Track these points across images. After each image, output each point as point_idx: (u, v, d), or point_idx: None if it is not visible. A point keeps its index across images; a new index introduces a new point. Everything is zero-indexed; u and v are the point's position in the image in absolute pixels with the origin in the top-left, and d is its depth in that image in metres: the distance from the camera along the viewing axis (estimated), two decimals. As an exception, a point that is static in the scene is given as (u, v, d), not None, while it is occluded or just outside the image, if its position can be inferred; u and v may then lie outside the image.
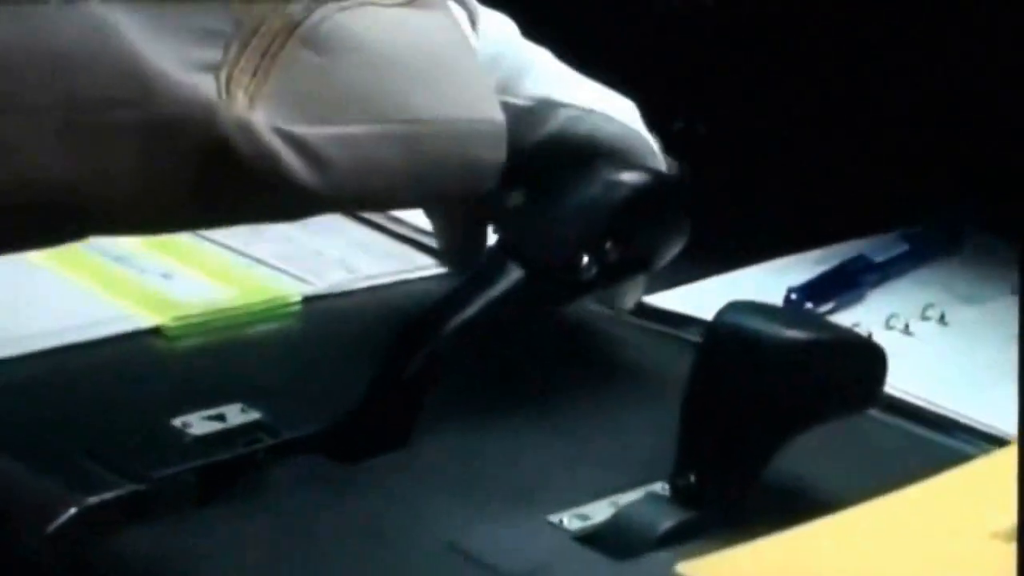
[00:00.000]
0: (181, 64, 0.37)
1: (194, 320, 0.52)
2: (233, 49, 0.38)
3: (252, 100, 0.37)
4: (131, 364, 0.50)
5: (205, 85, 0.37)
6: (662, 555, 0.36)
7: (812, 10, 0.71)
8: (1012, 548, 0.27)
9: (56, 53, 0.35)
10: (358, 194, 0.43)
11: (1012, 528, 0.28)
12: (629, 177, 0.47)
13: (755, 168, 0.63)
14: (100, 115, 0.35)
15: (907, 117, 0.68)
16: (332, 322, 0.54)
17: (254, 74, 0.38)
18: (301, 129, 0.38)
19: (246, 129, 0.37)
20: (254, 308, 0.53)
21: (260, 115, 0.37)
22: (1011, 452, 0.34)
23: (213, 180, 0.38)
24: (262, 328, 0.53)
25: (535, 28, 0.49)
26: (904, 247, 0.61)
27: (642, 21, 0.72)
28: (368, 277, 0.56)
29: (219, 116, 0.36)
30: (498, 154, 0.42)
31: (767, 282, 0.58)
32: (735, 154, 0.61)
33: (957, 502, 0.37)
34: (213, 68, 0.37)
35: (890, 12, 0.68)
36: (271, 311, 0.54)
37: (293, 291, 0.54)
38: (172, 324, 0.52)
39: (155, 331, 0.52)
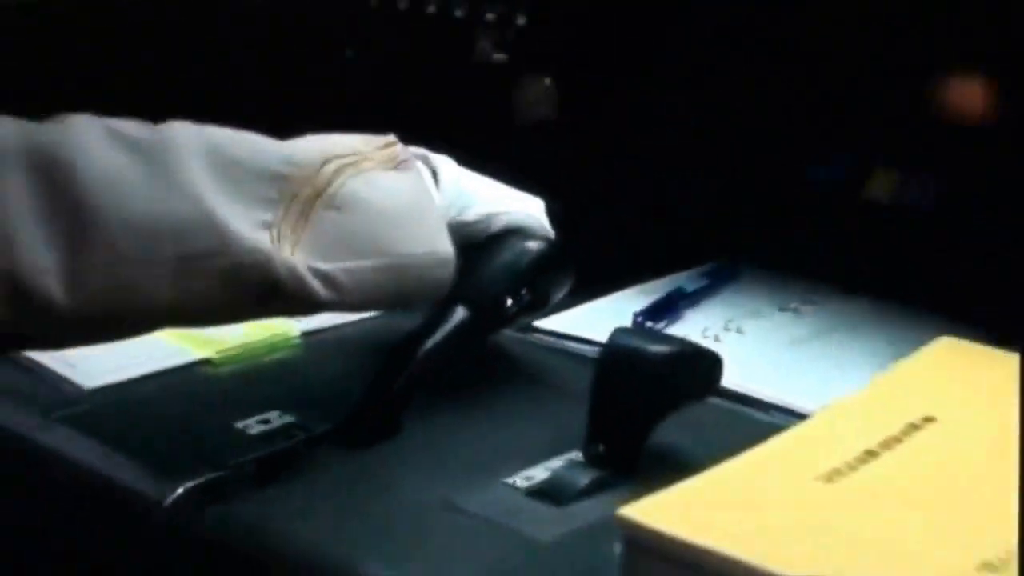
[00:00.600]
0: (248, 223, 0.53)
1: (231, 352, 0.70)
2: (280, 212, 0.54)
3: (293, 248, 0.54)
4: (194, 384, 0.67)
5: (263, 239, 0.53)
6: (585, 502, 0.52)
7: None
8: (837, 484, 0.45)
9: (170, 221, 0.51)
10: (354, 305, 0.60)
11: (836, 469, 0.46)
12: (533, 246, 0.66)
13: (598, 227, 0.83)
14: (197, 263, 0.52)
15: (699, 182, 0.90)
16: (328, 349, 0.72)
17: (294, 230, 0.54)
18: (324, 266, 0.55)
19: (291, 269, 0.54)
20: (271, 341, 0.71)
21: (299, 258, 0.54)
22: (815, 420, 0.54)
23: (265, 302, 0.55)
24: (277, 356, 0.71)
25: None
26: (706, 280, 0.82)
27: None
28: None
29: (274, 261, 0.53)
30: (448, 274, 0.60)
31: (618, 308, 0.78)
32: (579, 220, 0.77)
33: (801, 451, 0.50)
34: (268, 226, 0.54)
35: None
36: (282, 343, 0.72)
37: (293, 328, 0.72)
38: (218, 356, 0.70)
39: (206, 361, 0.69)
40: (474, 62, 0.95)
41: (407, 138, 0.63)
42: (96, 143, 0.53)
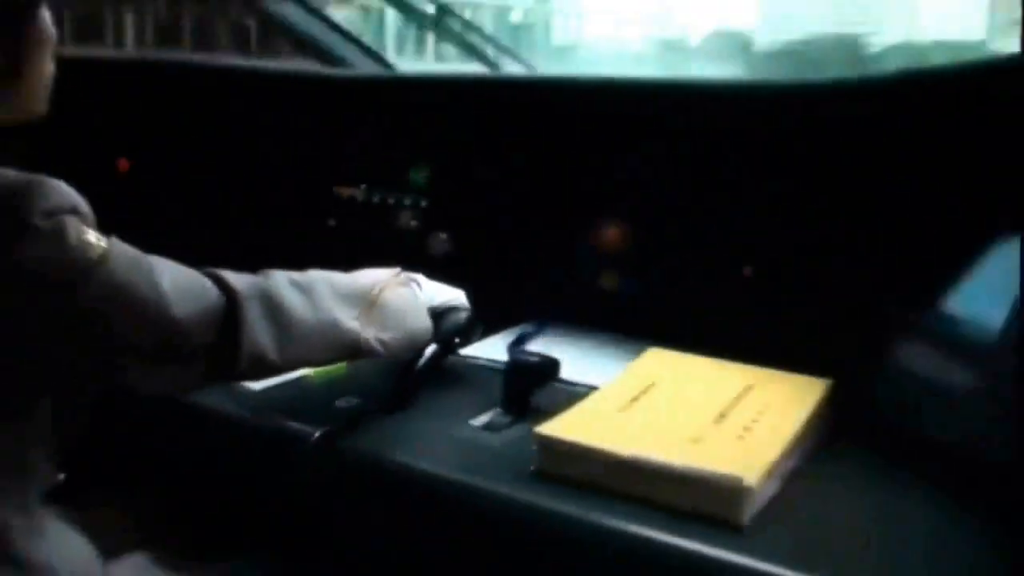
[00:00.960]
0: (349, 320, 1.03)
1: (320, 372, 1.23)
2: (361, 312, 1.04)
3: (366, 329, 1.04)
4: (308, 387, 1.21)
5: (356, 326, 1.03)
6: (506, 431, 1.10)
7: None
8: (628, 410, 1.08)
9: (320, 324, 1.02)
10: (392, 354, 1.09)
11: (624, 405, 1.09)
12: (463, 315, 1.23)
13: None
14: (332, 342, 1.03)
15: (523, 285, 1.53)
16: (363, 371, 1.24)
17: (368, 320, 1.05)
18: (380, 335, 1.05)
19: (367, 340, 1.03)
20: (336, 367, 1.22)
21: (371, 332, 1.05)
22: (604, 388, 1.14)
23: (354, 356, 1.07)
24: (339, 374, 1.24)
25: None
26: (533, 327, 1.41)
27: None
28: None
29: (360, 336, 1.03)
30: (430, 335, 1.15)
31: (497, 343, 1.35)
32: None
33: (604, 399, 1.08)
34: (357, 319, 1.04)
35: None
36: (338, 369, 1.23)
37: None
38: (315, 374, 1.23)
39: (309, 376, 1.22)
40: (399, 227, 1.60)
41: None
42: (284, 285, 1.00)
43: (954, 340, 1.09)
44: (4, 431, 0.90)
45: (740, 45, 5.87)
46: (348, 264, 1.15)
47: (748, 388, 1.15)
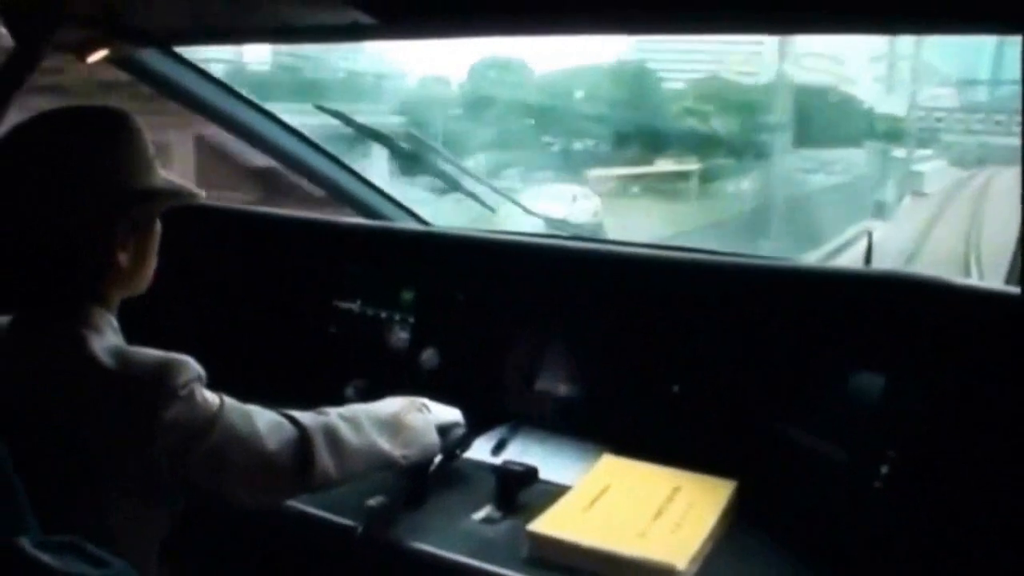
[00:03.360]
0: (387, 444, 1.38)
1: None
2: (392, 434, 1.40)
3: (395, 448, 1.40)
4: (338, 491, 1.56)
5: (387, 447, 1.38)
6: (500, 524, 1.49)
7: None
8: (592, 509, 1.47)
9: (365, 448, 1.37)
10: (415, 462, 1.46)
11: (587, 504, 1.49)
12: (460, 430, 1.59)
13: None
14: (376, 462, 1.39)
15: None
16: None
17: (398, 440, 1.41)
18: (405, 452, 1.42)
19: (396, 457, 1.40)
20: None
21: (399, 451, 1.40)
22: (574, 489, 1.54)
23: (388, 470, 1.43)
24: None
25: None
26: (509, 430, 1.80)
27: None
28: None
29: (393, 455, 1.39)
30: (439, 446, 1.49)
31: (484, 444, 1.71)
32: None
33: (575, 499, 1.49)
34: (389, 441, 1.39)
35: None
36: None
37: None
38: None
39: None
40: (391, 344, 1.95)
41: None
42: (337, 419, 1.31)
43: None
44: (145, 535, 1.25)
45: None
46: (349, 368, 1.63)
47: (676, 489, 1.54)
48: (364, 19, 1.44)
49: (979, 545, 1.33)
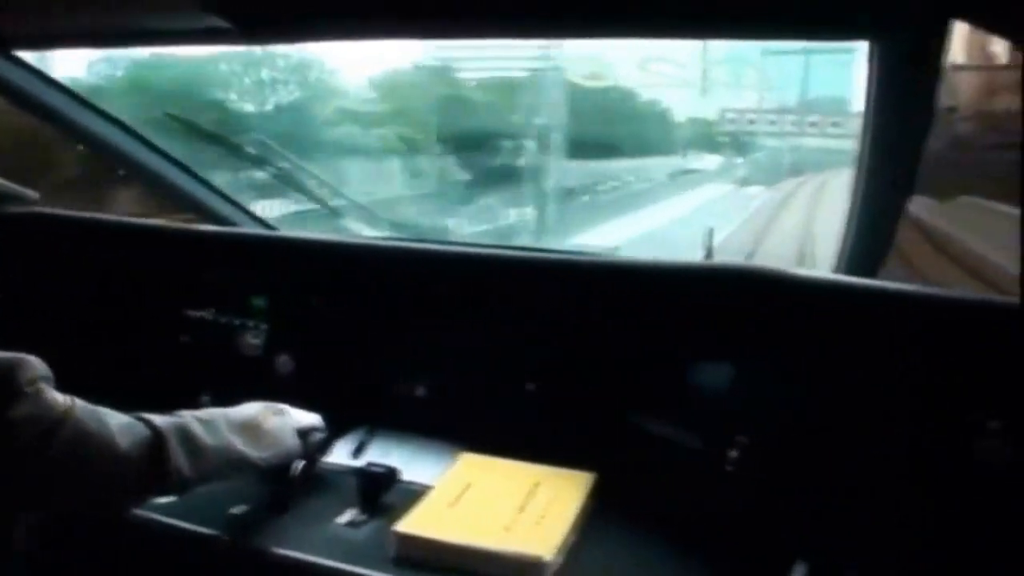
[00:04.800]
0: (240, 443, 1.37)
1: None
2: (249, 435, 1.40)
3: (253, 450, 1.39)
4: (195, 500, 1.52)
5: (245, 448, 1.37)
6: (364, 526, 1.49)
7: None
8: (456, 506, 1.48)
9: (222, 448, 1.36)
10: (270, 463, 1.44)
11: (452, 501, 1.50)
12: (320, 434, 1.58)
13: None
14: (232, 463, 1.37)
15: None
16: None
17: (254, 443, 1.41)
18: (263, 455, 1.40)
19: (254, 459, 1.39)
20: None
21: (256, 453, 1.40)
22: (438, 486, 1.55)
23: (240, 472, 1.41)
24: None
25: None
26: (367, 433, 1.82)
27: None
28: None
29: (250, 457, 1.38)
30: (300, 449, 1.51)
31: (343, 447, 1.72)
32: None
33: (438, 497, 1.50)
34: (245, 443, 1.38)
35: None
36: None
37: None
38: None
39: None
40: (245, 351, 1.93)
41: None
42: (193, 421, 1.30)
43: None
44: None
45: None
46: (203, 377, 1.63)
47: (537, 483, 1.58)
48: (220, 24, 1.43)
49: (828, 522, 1.41)
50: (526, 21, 1.61)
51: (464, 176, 4.16)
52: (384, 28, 1.65)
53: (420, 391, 1.86)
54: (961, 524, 1.37)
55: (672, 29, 1.67)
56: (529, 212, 4.72)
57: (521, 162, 4.63)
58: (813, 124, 4.12)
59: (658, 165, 6.97)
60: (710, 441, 1.54)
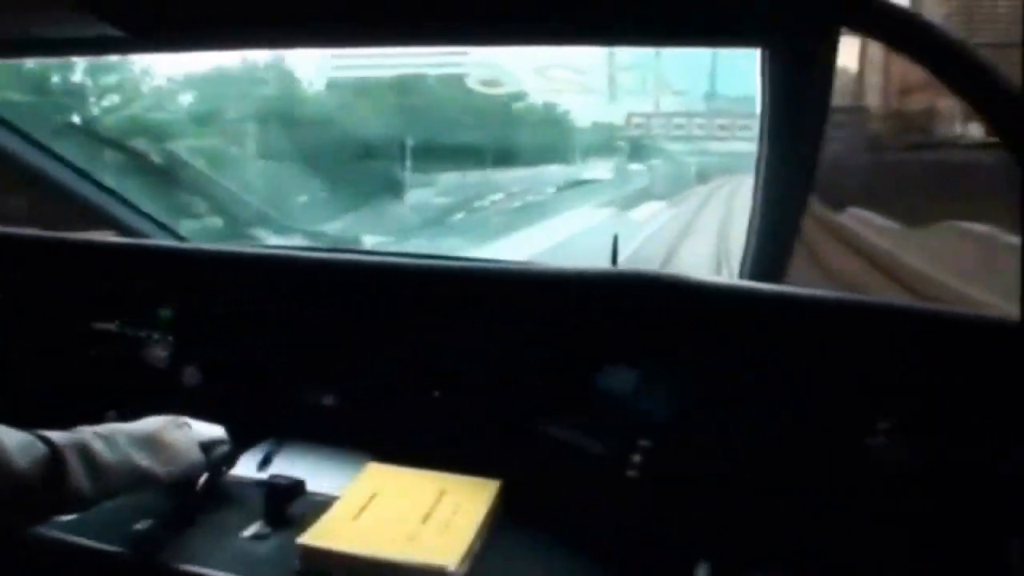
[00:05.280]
0: (139, 457, 1.34)
1: None
2: (150, 450, 1.39)
3: (155, 464, 1.38)
4: (101, 516, 1.52)
5: (146, 463, 1.36)
6: (268, 540, 1.50)
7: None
8: (360, 519, 1.49)
9: (121, 463, 1.33)
10: (171, 483, 1.46)
11: (356, 512, 1.51)
12: (224, 447, 1.59)
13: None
14: (136, 478, 1.35)
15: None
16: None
17: (156, 457, 1.39)
18: (165, 469, 1.39)
19: (156, 474, 1.37)
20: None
21: (158, 468, 1.38)
22: (344, 497, 1.57)
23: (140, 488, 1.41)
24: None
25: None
26: (274, 444, 1.83)
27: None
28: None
29: (151, 472, 1.38)
30: (203, 461, 1.51)
31: (250, 459, 1.73)
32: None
33: (343, 509, 1.51)
34: (146, 457, 1.37)
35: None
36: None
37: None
38: None
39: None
40: (152, 363, 1.92)
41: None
42: (92, 438, 1.29)
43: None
44: None
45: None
46: (109, 391, 1.61)
47: (443, 492, 1.60)
48: (112, 32, 1.42)
49: (730, 524, 1.45)
50: (426, 28, 1.63)
51: (339, 186, 4.04)
52: (284, 37, 1.66)
53: (328, 400, 1.87)
54: (859, 522, 1.42)
55: (568, 36, 1.70)
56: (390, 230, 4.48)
57: (390, 174, 4.44)
58: (723, 127, 4.14)
59: (558, 174, 6.65)
60: (614, 446, 1.56)
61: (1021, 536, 1.34)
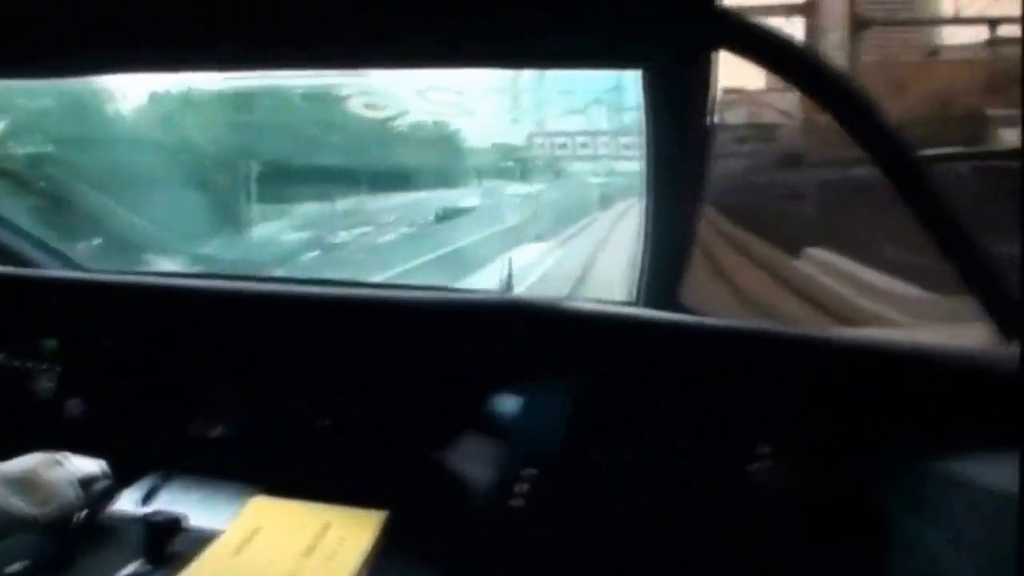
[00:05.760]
0: (16, 500, 1.35)
1: None
2: (26, 490, 1.38)
3: (31, 505, 1.38)
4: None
5: (21, 505, 1.36)
6: None
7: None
8: (241, 554, 1.48)
9: None
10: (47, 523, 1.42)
11: (238, 546, 1.50)
12: (106, 482, 1.57)
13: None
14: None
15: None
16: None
17: (31, 497, 1.39)
18: (42, 510, 1.38)
19: (32, 516, 1.37)
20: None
21: (34, 509, 1.38)
22: (227, 533, 1.57)
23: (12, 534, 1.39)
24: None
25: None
26: (160, 478, 1.81)
27: None
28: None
29: (27, 514, 1.37)
30: (82, 503, 1.50)
31: (134, 494, 1.71)
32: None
33: (225, 544, 1.50)
34: (22, 499, 1.36)
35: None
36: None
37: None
38: None
39: None
40: (36, 395, 1.88)
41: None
42: None
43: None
44: None
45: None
46: None
47: (327, 525, 1.59)
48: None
49: (615, 554, 1.48)
50: (304, 53, 1.64)
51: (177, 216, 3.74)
52: (145, 62, 1.65)
53: (216, 432, 1.85)
54: (744, 546, 1.46)
55: (453, 60, 1.73)
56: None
57: (230, 204, 4.11)
58: (628, 146, 4.12)
59: (441, 199, 6.08)
60: (499, 476, 1.57)
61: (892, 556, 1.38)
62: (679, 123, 1.61)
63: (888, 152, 1.39)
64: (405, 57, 1.67)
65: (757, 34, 1.37)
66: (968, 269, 1.43)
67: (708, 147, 1.64)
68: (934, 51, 11.73)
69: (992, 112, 8.26)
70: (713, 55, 1.45)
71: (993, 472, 1.19)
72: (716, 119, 1.58)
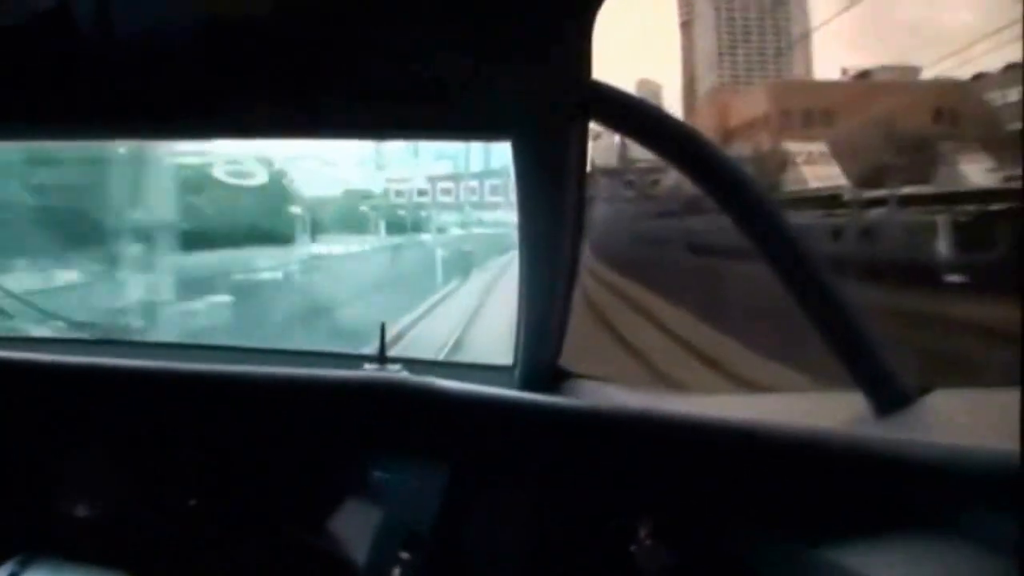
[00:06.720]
0: None
1: None
2: None
3: None
4: None
5: None
6: None
7: None
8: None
9: None
10: None
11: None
12: None
13: None
14: None
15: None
16: None
17: None
18: None
19: None
20: None
21: None
22: None
23: None
24: None
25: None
26: (19, 565, 1.70)
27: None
28: None
29: None
30: None
31: None
32: None
33: None
34: None
35: None
36: None
37: None
38: None
39: None
40: None
41: None
42: None
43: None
44: None
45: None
46: None
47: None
48: None
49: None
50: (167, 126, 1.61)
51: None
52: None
53: (82, 511, 1.77)
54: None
55: (320, 131, 1.72)
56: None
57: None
58: (495, 189, 4.00)
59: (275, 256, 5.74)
60: (374, 555, 1.54)
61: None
62: (548, 190, 1.60)
63: (755, 224, 1.40)
64: (276, 128, 1.64)
65: (625, 104, 1.38)
66: (841, 342, 1.44)
67: (581, 210, 1.63)
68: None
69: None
70: (582, 123, 1.46)
71: (872, 562, 1.19)
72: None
